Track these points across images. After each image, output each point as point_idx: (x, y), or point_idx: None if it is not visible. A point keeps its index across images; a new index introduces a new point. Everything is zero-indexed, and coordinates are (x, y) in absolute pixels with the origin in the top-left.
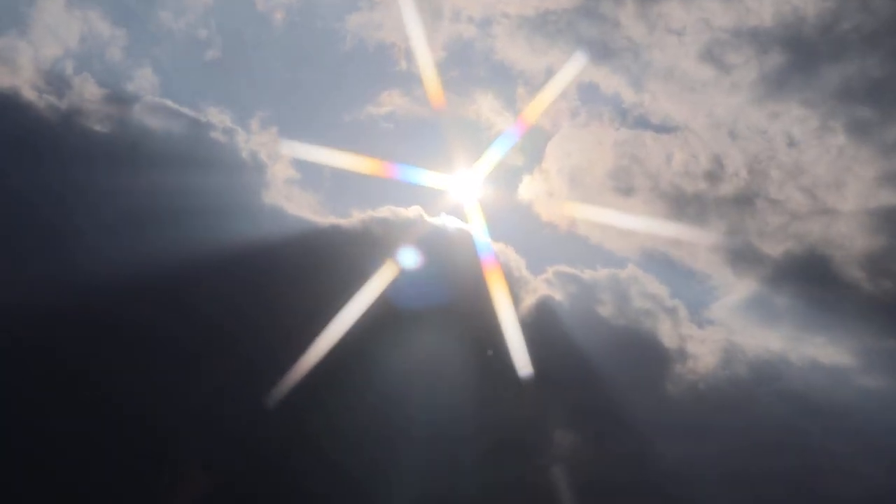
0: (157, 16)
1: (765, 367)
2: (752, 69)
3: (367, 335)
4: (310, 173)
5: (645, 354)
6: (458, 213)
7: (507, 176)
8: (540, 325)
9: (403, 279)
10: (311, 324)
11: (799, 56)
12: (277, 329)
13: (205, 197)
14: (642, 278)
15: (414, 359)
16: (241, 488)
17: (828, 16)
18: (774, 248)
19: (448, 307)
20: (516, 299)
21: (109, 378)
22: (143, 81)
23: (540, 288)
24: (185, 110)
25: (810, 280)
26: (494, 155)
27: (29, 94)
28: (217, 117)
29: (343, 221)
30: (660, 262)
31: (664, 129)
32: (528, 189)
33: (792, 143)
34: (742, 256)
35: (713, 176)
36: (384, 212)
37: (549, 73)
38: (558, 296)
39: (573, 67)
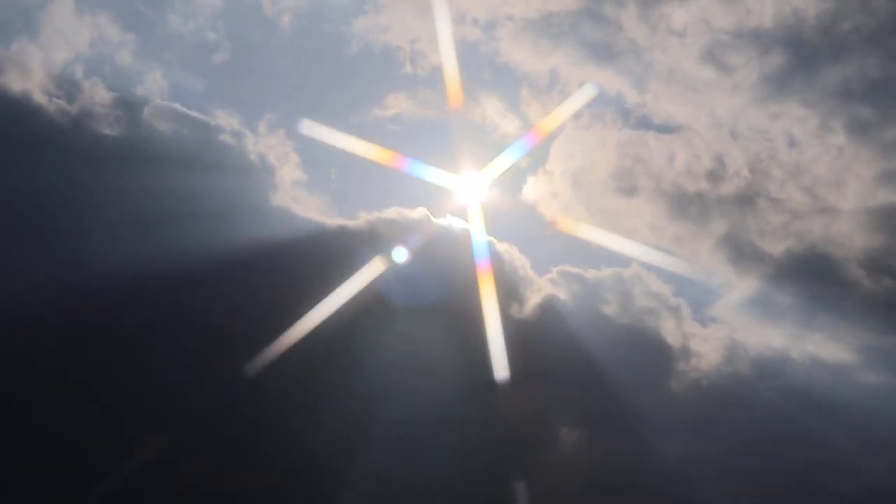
0: (166, 20)
1: (767, 364)
2: (752, 70)
3: (360, 329)
4: (317, 175)
5: (649, 352)
6: (463, 214)
7: (512, 177)
8: (545, 324)
9: (403, 276)
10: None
11: (799, 57)
12: (284, 327)
13: (214, 199)
14: (645, 277)
15: (403, 354)
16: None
17: (828, 17)
18: (776, 247)
19: (445, 306)
20: (521, 299)
21: (118, 380)
22: (153, 85)
23: (545, 287)
24: (194, 113)
25: (811, 278)
26: (499, 156)
27: (39, 98)
28: (225, 120)
29: (350, 223)
30: (663, 261)
31: (666, 129)
32: (533, 190)
33: (793, 143)
34: (744, 255)
35: (715, 175)
36: (391, 213)
37: (554, 75)
38: (563, 295)
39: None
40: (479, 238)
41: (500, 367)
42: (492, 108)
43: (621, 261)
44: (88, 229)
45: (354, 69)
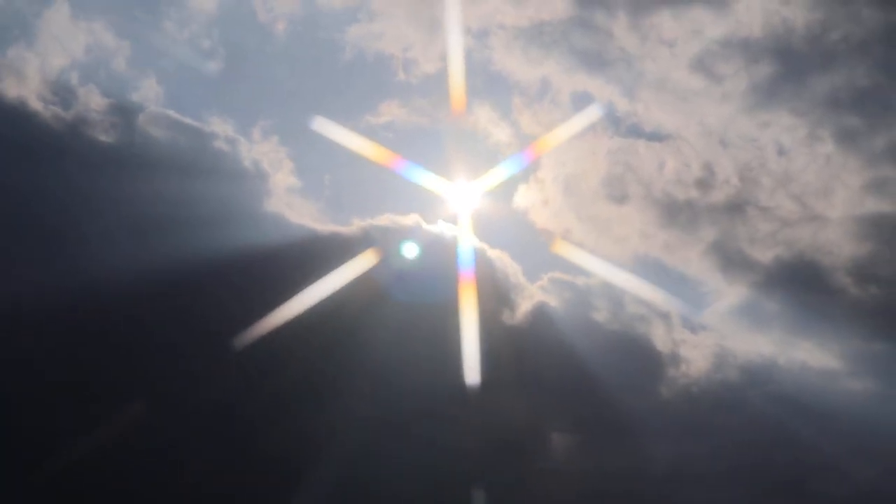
0: (161, 27)
1: (756, 371)
2: (742, 79)
3: (351, 332)
4: (311, 182)
5: (639, 359)
6: (455, 220)
7: (504, 184)
8: (536, 331)
9: (394, 282)
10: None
11: (788, 66)
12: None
13: (208, 205)
14: (636, 284)
15: (391, 357)
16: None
17: (816, 26)
18: (764, 255)
19: (436, 310)
20: (513, 306)
21: (113, 384)
22: (148, 92)
23: (536, 295)
24: (189, 120)
25: (799, 286)
26: (492, 164)
27: (35, 105)
28: (220, 127)
29: (343, 229)
30: (653, 268)
31: (656, 137)
32: (524, 197)
33: (781, 152)
34: (733, 262)
35: (705, 183)
36: (383, 220)
37: (545, 83)
38: (554, 302)
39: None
40: (471, 245)
41: (490, 373)
42: (484, 116)
43: (612, 268)
44: (83, 234)
45: (348, 76)
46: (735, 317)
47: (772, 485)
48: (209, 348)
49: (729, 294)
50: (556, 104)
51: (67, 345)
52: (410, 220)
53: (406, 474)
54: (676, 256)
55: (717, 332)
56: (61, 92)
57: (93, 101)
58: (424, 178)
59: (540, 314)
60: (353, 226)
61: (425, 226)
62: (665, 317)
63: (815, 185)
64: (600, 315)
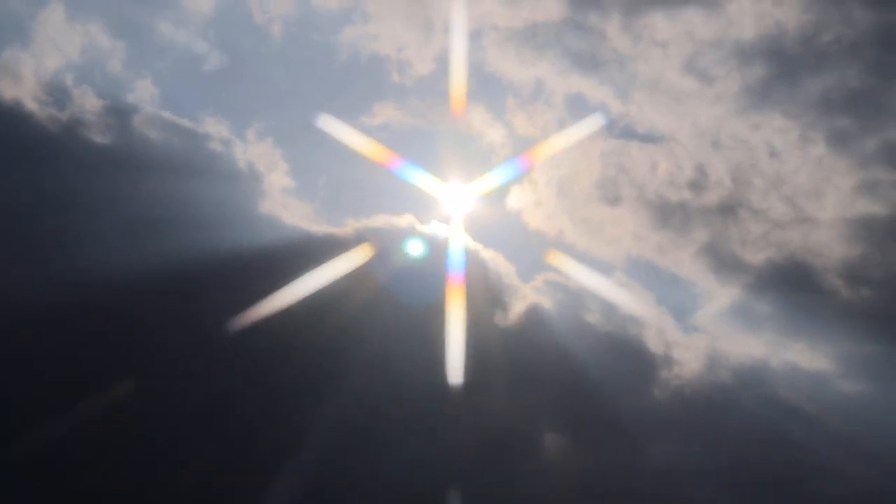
0: (157, 29)
1: (747, 373)
2: (734, 81)
3: (345, 332)
4: (305, 183)
5: (632, 360)
6: (448, 221)
7: (497, 186)
8: (529, 332)
9: (387, 282)
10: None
11: (780, 68)
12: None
13: (203, 206)
14: (629, 286)
15: (382, 357)
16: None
17: (809, 28)
18: (756, 256)
19: (428, 310)
20: (506, 306)
21: (108, 384)
22: (143, 93)
23: (529, 296)
24: (184, 121)
25: (791, 287)
26: (487, 166)
27: (30, 106)
28: (214, 128)
29: (337, 230)
30: (646, 269)
31: (649, 139)
32: (518, 198)
33: (773, 154)
34: (725, 264)
35: (697, 185)
36: (377, 220)
37: (538, 85)
38: (547, 303)
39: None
40: (464, 245)
41: (484, 373)
42: (478, 117)
43: (605, 269)
44: (78, 234)
45: (343, 78)
46: (727, 318)
47: (764, 486)
48: (204, 348)
49: (721, 296)
50: (549, 105)
51: (63, 344)
52: (404, 220)
53: (403, 474)
54: (669, 258)
55: (709, 334)
56: (56, 93)
57: (88, 103)
58: (418, 179)
59: (533, 315)
60: (347, 226)
61: (419, 226)
62: (657, 318)
63: (807, 187)
64: (593, 316)
